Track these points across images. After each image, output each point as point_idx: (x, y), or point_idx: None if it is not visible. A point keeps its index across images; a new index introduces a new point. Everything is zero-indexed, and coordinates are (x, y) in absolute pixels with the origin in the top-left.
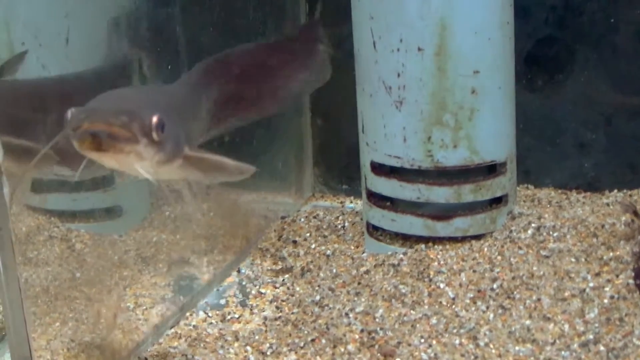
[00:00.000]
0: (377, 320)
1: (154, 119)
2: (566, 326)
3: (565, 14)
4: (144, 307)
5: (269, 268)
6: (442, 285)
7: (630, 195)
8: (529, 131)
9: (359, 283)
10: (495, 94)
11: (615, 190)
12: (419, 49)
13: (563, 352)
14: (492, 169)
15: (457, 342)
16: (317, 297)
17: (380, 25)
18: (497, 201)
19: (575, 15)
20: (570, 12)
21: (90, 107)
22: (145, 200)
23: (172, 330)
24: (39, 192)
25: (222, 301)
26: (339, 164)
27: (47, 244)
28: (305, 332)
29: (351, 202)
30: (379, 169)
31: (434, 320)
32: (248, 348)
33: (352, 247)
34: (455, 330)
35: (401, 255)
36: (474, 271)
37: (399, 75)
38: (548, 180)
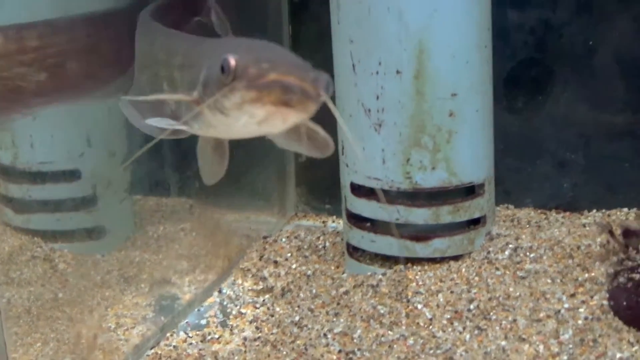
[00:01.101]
0: (355, 340)
1: (328, 80)
2: (541, 347)
3: (545, 36)
4: (125, 328)
5: (250, 288)
6: (419, 306)
7: (609, 215)
8: (509, 152)
9: (338, 303)
10: (473, 117)
11: (594, 210)
12: (398, 72)
13: None
14: (470, 191)
15: None
16: (297, 318)
17: (359, 49)
18: (475, 222)
19: (554, 38)
20: (550, 35)
21: (266, 57)
22: (128, 220)
23: (152, 350)
24: (22, 212)
25: (203, 321)
26: (322, 184)
27: (29, 264)
28: (284, 352)
29: (333, 221)
30: (359, 190)
31: (411, 341)
32: None
33: (333, 268)
34: (431, 351)
35: (380, 276)
36: (452, 292)
37: (377, 97)
38: (528, 200)
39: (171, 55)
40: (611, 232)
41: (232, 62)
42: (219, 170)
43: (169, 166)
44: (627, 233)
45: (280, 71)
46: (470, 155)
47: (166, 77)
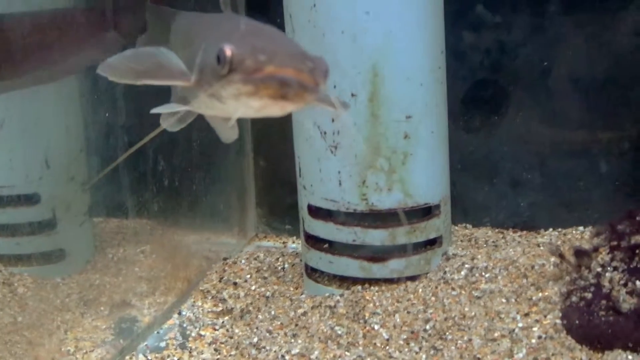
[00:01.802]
0: None
1: (327, 66)
2: None
3: (500, 57)
4: (84, 351)
5: (209, 310)
6: (376, 327)
7: (565, 234)
8: (466, 171)
9: (296, 325)
10: (428, 138)
11: (551, 229)
12: (353, 95)
13: None
14: (426, 212)
15: None
16: (255, 339)
17: None
18: (431, 243)
19: (509, 58)
20: (505, 55)
21: (263, 47)
22: (88, 243)
23: None
24: None
25: (162, 344)
26: (282, 205)
27: None
28: None
29: (294, 242)
30: (316, 212)
31: None
32: None
33: (292, 289)
34: None
35: (338, 297)
36: (408, 312)
37: (333, 120)
38: (486, 219)
39: (174, 34)
40: (561, 255)
41: (228, 52)
42: (233, 132)
43: (128, 188)
44: (579, 253)
45: (277, 63)
46: (426, 177)
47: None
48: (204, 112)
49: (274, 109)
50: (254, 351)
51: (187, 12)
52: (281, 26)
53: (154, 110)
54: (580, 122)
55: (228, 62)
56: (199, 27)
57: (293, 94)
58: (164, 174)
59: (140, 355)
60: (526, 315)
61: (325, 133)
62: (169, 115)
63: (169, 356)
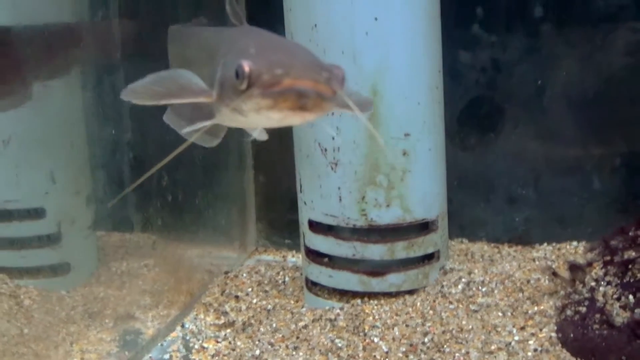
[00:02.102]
0: None
1: (343, 73)
2: None
3: (496, 76)
4: None
5: (212, 323)
6: (376, 340)
7: (559, 249)
8: (463, 187)
9: (297, 337)
10: (425, 155)
11: (545, 244)
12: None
13: None
14: (424, 227)
15: None
16: (257, 352)
17: None
18: (429, 257)
19: (505, 77)
20: (500, 74)
21: (280, 61)
22: (92, 257)
23: None
24: None
25: (166, 356)
26: (281, 220)
27: None
28: None
29: (293, 256)
30: (317, 227)
31: None
32: None
33: (292, 302)
34: None
35: (338, 310)
36: (407, 325)
37: (333, 138)
38: (482, 234)
39: (197, 52)
40: (555, 273)
41: (246, 68)
42: (262, 134)
43: (133, 203)
44: (573, 268)
45: (293, 76)
46: (424, 193)
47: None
48: (229, 125)
49: (295, 119)
50: None
51: (205, 28)
52: None
53: (185, 130)
54: (573, 140)
55: (246, 77)
56: (217, 43)
57: (311, 104)
58: (168, 190)
59: None
60: (522, 328)
61: (325, 150)
62: (197, 131)
63: None
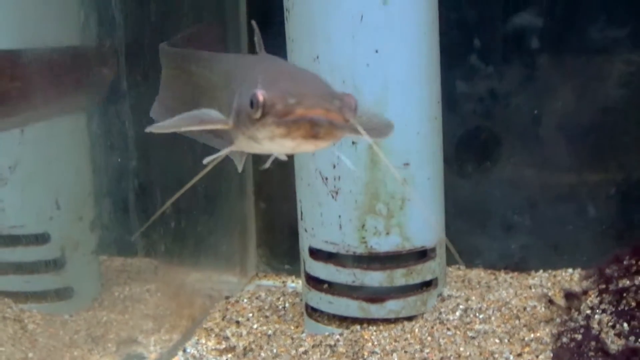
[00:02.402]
0: None
1: (355, 101)
2: None
3: (493, 105)
4: None
5: (213, 347)
6: None
7: (555, 276)
8: (460, 215)
9: None
10: (424, 184)
11: (541, 271)
12: (353, 143)
13: None
14: (422, 254)
15: None
16: None
17: None
18: (427, 284)
19: (501, 107)
20: (497, 104)
21: (291, 90)
22: (95, 281)
23: None
24: None
25: None
26: (281, 246)
27: (0, 324)
28: None
29: (293, 281)
30: (317, 254)
31: None
32: None
33: (292, 327)
34: None
35: (337, 336)
36: (405, 352)
37: (334, 166)
38: (478, 261)
39: (209, 79)
40: (551, 301)
41: (261, 98)
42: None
43: (137, 229)
44: (569, 296)
45: (306, 105)
46: (423, 221)
47: (211, 101)
48: (246, 151)
49: (308, 146)
50: None
51: (221, 54)
52: None
53: (207, 160)
54: (568, 168)
55: (261, 106)
56: (234, 70)
57: (324, 132)
58: (171, 216)
59: None
60: (519, 355)
61: (326, 179)
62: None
63: None
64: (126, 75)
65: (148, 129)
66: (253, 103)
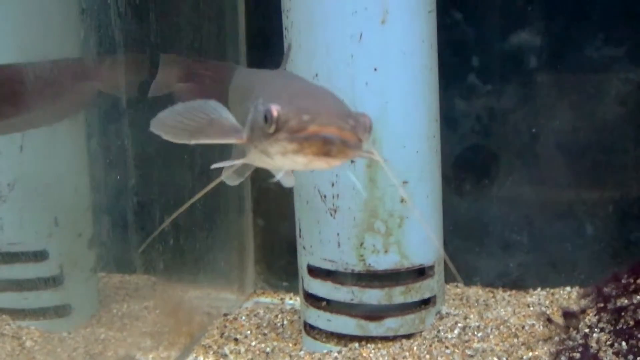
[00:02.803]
0: None
1: (370, 121)
2: None
3: (490, 124)
4: None
5: None
6: None
7: (553, 294)
8: (458, 232)
9: None
10: (423, 202)
11: (539, 289)
12: (352, 161)
13: None
14: (421, 272)
15: None
16: None
17: None
18: (426, 302)
19: (499, 125)
20: (495, 122)
21: (308, 107)
22: (94, 298)
23: None
24: None
25: None
26: (279, 263)
27: None
28: None
29: (291, 298)
30: (315, 271)
31: None
32: None
33: (291, 345)
34: None
35: (336, 354)
36: None
37: (333, 184)
38: (476, 279)
39: (240, 92)
40: (549, 319)
41: (275, 113)
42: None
43: (136, 247)
44: (567, 315)
45: (320, 122)
46: (421, 239)
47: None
48: (258, 165)
49: (320, 164)
50: None
51: (240, 68)
52: None
53: (215, 166)
54: (566, 186)
55: (274, 121)
56: (252, 84)
57: (336, 150)
58: (169, 233)
59: None
60: None
61: (325, 196)
62: (229, 169)
63: None
64: (126, 90)
65: (152, 125)
66: (267, 118)
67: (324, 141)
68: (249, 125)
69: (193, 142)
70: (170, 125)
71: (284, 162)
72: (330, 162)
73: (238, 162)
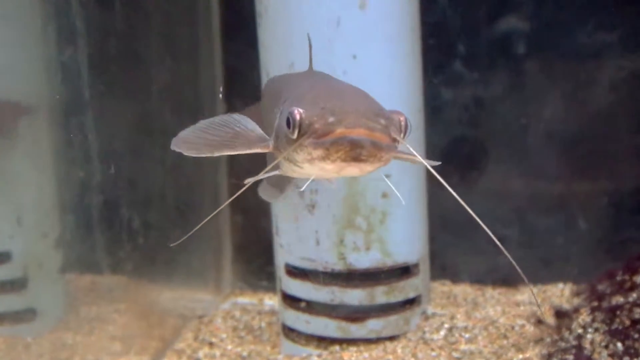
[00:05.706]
0: None
1: (405, 120)
2: None
3: (478, 113)
4: None
5: None
6: None
7: (545, 291)
8: (445, 227)
9: None
10: (406, 197)
11: (530, 285)
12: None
13: None
14: (404, 271)
15: None
16: None
17: None
18: (410, 302)
19: (487, 114)
20: (483, 112)
21: (333, 108)
22: (60, 301)
23: None
24: None
25: None
26: (258, 261)
27: None
28: None
29: (270, 298)
30: (293, 271)
31: None
32: None
33: (268, 348)
34: None
35: (315, 357)
36: None
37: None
38: (465, 275)
39: (270, 98)
40: (540, 321)
41: (297, 117)
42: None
43: (103, 246)
44: (560, 314)
45: (347, 124)
46: (404, 236)
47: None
48: (291, 175)
49: (352, 170)
50: None
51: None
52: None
53: (248, 180)
54: (558, 178)
55: (297, 126)
56: (280, 88)
57: (366, 154)
58: (139, 232)
59: None
60: None
61: (302, 192)
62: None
63: None
64: (89, 86)
65: (173, 144)
66: (289, 122)
67: (353, 144)
68: (275, 132)
69: (217, 154)
70: (193, 142)
71: (312, 170)
72: (363, 167)
73: (270, 174)
